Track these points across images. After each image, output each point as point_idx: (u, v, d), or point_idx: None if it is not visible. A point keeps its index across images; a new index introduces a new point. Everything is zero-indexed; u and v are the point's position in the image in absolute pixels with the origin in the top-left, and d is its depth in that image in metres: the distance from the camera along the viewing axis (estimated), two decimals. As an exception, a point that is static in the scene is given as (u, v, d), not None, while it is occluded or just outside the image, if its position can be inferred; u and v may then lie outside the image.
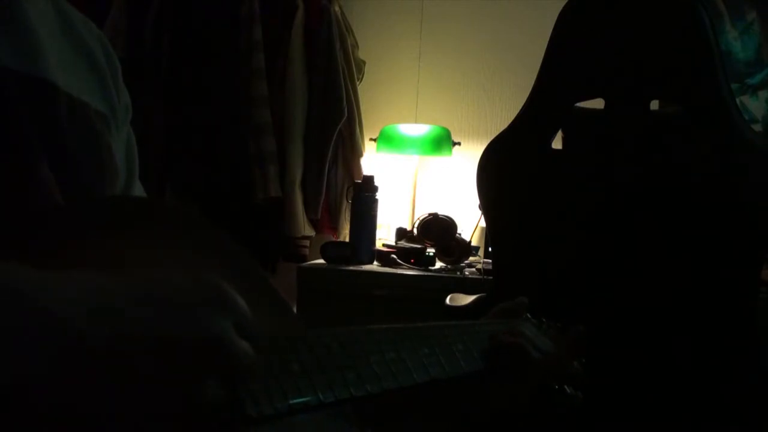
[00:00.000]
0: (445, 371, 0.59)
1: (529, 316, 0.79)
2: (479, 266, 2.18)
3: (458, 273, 2.18)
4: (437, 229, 2.27)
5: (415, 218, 2.41)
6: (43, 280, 0.34)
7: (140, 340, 0.34)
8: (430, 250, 2.24)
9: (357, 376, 0.48)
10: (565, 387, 0.77)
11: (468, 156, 2.61)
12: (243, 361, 0.37)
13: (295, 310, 1.96)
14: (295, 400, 0.42)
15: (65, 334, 0.32)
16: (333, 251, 2.24)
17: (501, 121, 2.56)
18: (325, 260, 2.24)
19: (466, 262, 2.25)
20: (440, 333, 0.63)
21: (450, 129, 2.59)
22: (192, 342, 0.36)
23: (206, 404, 0.36)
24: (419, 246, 2.25)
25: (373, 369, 0.50)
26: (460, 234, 2.30)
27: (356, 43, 2.65)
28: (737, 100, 1.65)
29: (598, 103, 1.46)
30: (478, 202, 1.55)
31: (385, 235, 2.52)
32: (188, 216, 0.49)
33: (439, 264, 2.25)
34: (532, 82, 1.49)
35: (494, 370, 0.68)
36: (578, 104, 1.48)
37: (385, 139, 2.54)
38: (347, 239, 2.39)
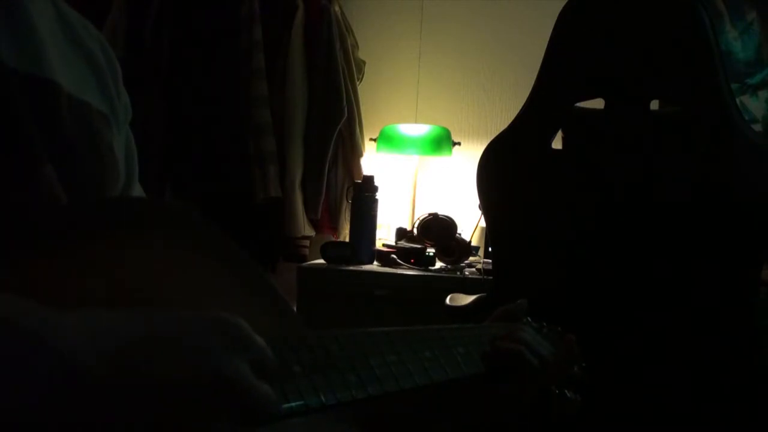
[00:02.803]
0: (446, 374, 0.59)
1: (529, 319, 0.79)
2: (479, 266, 2.18)
3: (458, 273, 2.18)
4: (437, 229, 2.27)
5: (415, 218, 2.41)
6: (49, 315, 0.33)
7: (153, 381, 0.33)
8: (430, 250, 2.24)
9: (358, 379, 0.48)
10: (565, 391, 0.77)
11: (468, 156, 2.61)
12: (260, 402, 0.36)
13: (295, 310, 1.96)
14: (296, 402, 0.42)
15: (70, 370, 0.32)
16: (333, 251, 2.24)
17: (501, 121, 2.56)
18: (325, 260, 2.24)
19: (466, 262, 2.25)
20: (441, 336, 0.63)
21: (450, 129, 2.59)
22: (208, 385, 0.35)
23: None
24: (419, 246, 2.25)
25: (374, 371, 0.50)
26: (460, 234, 2.30)
27: (356, 43, 2.65)
28: (737, 100, 1.65)
29: (598, 103, 1.46)
30: (478, 202, 1.55)
31: (385, 235, 2.52)
32: (189, 216, 0.49)
33: (439, 264, 2.25)
34: (532, 82, 1.48)
35: (494, 375, 0.67)
36: (578, 104, 1.48)
37: (385, 139, 2.54)
38: (347, 239, 2.39)
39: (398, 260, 2.22)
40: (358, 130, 2.56)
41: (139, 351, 0.34)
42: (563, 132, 1.51)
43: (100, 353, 0.33)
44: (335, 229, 2.56)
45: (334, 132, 2.46)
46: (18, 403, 0.30)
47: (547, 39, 1.46)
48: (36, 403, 0.30)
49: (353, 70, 2.56)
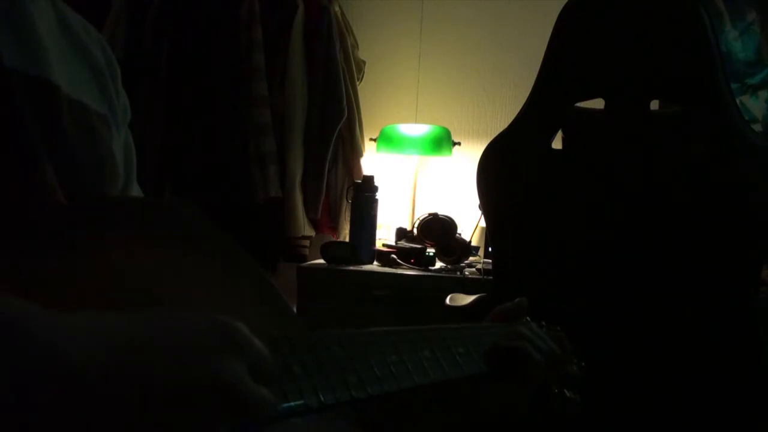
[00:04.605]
0: (446, 374, 0.59)
1: (528, 319, 0.79)
2: (479, 266, 2.18)
3: (458, 273, 2.18)
4: (437, 229, 2.27)
5: (415, 218, 2.41)
6: (48, 317, 0.32)
7: (147, 385, 0.33)
8: (430, 250, 2.24)
9: (358, 378, 0.48)
10: (565, 391, 0.77)
11: (468, 156, 2.61)
12: (258, 407, 0.36)
13: (295, 310, 1.96)
14: (296, 402, 0.42)
15: (67, 372, 0.31)
16: (333, 251, 2.24)
17: (501, 121, 2.56)
18: (325, 260, 2.24)
19: (466, 262, 2.25)
20: (441, 336, 0.63)
21: (450, 129, 2.59)
22: (202, 389, 0.34)
23: None
24: (419, 246, 2.25)
25: (374, 371, 0.50)
26: (460, 234, 2.30)
27: (356, 43, 2.65)
28: (737, 100, 1.65)
29: (598, 103, 1.46)
30: (478, 202, 1.55)
31: (385, 235, 2.52)
32: (189, 215, 0.49)
33: (439, 264, 2.25)
34: (532, 82, 1.49)
35: (496, 373, 0.67)
36: (578, 104, 1.48)
37: (385, 139, 2.54)
38: (347, 239, 2.39)
39: (398, 260, 2.22)
40: (358, 130, 2.56)
41: (135, 353, 0.33)
42: (563, 132, 1.51)
43: (96, 353, 0.32)
44: (335, 229, 2.56)
45: (334, 132, 2.47)
46: (4, 402, 0.29)
47: (547, 39, 1.46)
48: (24, 403, 0.30)
49: (353, 70, 2.56)
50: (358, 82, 2.61)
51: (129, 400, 0.32)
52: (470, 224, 2.35)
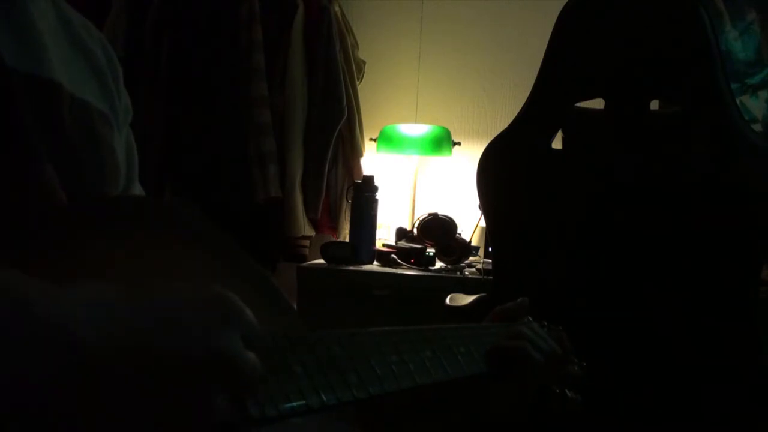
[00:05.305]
0: (447, 374, 0.59)
1: (530, 319, 0.79)
2: (479, 266, 2.18)
3: (458, 273, 2.18)
4: (437, 229, 2.27)
5: (415, 218, 2.41)
6: (49, 291, 0.33)
7: (147, 356, 0.33)
8: (430, 250, 2.24)
9: (359, 378, 0.48)
10: (566, 390, 0.77)
11: (468, 156, 2.61)
12: (251, 374, 0.37)
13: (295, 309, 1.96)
14: (297, 402, 0.42)
15: (68, 346, 0.31)
16: (333, 251, 2.24)
17: (501, 121, 2.56)
18: (325, 260, 2.24)
19: (466, 262, 2.25)
20: (442, 335, 0.63)
21: (450, 129, 2.59)
22: (200, 358, 0.35)
23: (213, 419, 0.35)
24: (419, 246, 2.25)
25: (374, 371, 0.50)
26: (460, 234, 2.30)
27: (356, 43, 2.65)
28: (737, 100, 1.65)
29: (598, 103, 1.46)
30: (478, 202, 1.55)
31: (385, 235, 2.52)
32: (189, 215, 0.49)
33: (439, 264, 2.25)
34: (532, 82, 1.49)
35: (496, 373, 0.68)
36: (578, 104, 1.48)
37: (385, 139, 2.54)
38: (347, 239, 2.39)
39: (398, 260, 2.22)
40: (358, 130, 2.56)
41: (136, 327, 0.34)
42: (563, 132, 1.51)
43: (97, 328, 0.33)
44: (335, 229, 2.56)
45: (334, 132, 2.46)
46: (10, 379, 0.29)
47: (547, 39, 1.47)
48: (28, 378, 0.30)
49: (353, 70, 2.56)
50: (358, 82, 2.61)
51: (130, 373, 0.33)
52: (470, 224, 2.35)
